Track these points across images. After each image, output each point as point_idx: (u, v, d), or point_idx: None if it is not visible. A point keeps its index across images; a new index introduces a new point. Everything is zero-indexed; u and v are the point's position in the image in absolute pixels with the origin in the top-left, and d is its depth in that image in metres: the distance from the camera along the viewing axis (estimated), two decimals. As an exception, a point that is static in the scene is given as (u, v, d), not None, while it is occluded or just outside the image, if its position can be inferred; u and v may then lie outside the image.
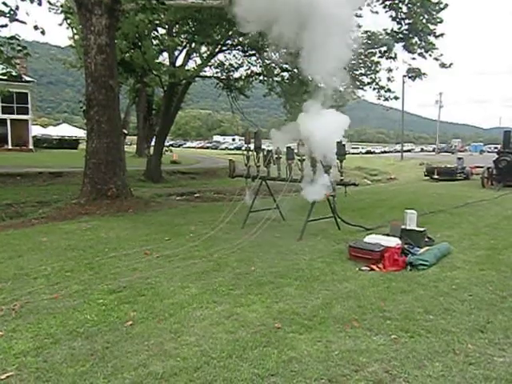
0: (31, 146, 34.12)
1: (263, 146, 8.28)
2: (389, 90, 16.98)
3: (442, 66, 15.31)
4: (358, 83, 16.89)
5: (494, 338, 3.42)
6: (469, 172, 19.80)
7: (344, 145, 6.97)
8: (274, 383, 2.78)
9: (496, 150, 19.33)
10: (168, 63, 18.86)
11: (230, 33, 15.57)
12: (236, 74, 19.31)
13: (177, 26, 16.61)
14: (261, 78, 18.85)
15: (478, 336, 3.47)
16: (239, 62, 19.01)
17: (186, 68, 18.45)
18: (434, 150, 61.98)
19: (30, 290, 4.40)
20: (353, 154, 51.19)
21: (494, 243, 6.77)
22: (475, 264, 5.54)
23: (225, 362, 3.01)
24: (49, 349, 3.22)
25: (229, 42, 17.41)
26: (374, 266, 5.30)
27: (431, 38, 14.59)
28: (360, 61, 16.09)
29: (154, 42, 17.75)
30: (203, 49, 18.46)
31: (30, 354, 3.14)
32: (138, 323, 3.66)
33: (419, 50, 14.89)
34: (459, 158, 21.20)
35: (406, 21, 14.33)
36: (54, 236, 7.02)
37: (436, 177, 19.45)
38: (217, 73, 19.22)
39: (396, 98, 17.53)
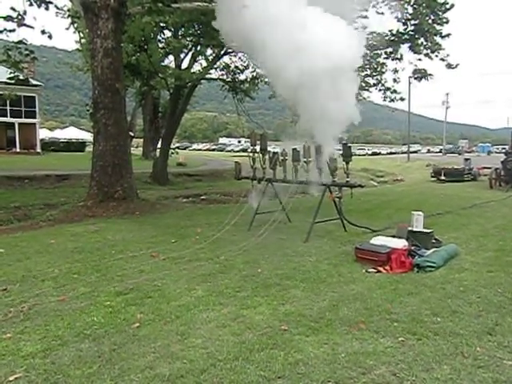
0: (39, 149, 34.39)
1: (269, 148, 8.29)
2: (395, 91, 16.95)
3: (449, 66, 15.24)
4: (364, 84, 16.85)
5: (504, 341, 3.38)
6: (476, 173, 19.65)
7: (350, 146, 6.95)
8: (280, 386, 2.77)
9: (504, 151, 19.16)
10: (174, 66, 18.97)
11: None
12: (241, 76, 19.39)
13: (182, 28, 16.71)
14: (266, 79, 18.87)
15: (487, 339, 3.43)
16: (244, 64, 19.08)
17: (192, 71, 18.55)
18: (440, 151, 61.56)
19: (38, 292, 4.43)
20: (359, 155, 51.07)
21: (502, 245, 6.70)
22: (483, 266, 5.49)
23: (231, 365, 3.01)
24: (56, 351, 3.23)
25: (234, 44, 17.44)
26: (381, 268, 5.27)
27: (437, 39, 14.52)
28: (366, 62, 16.06)
29: (160, 45, 17.87)
30: (209, 51, 18.56)
31: (38, 355, 3.16)
32: (145, 325, 3.67)
33: (425, 51, 14.83)
34: (466, 159, 21.06)
35: (412, 22, 14.27)
36: (61, 238, 7.07)
37: (443, 178, 19.32)
38: (222, 75, 19.30)
39: (402, 98, 17.50)
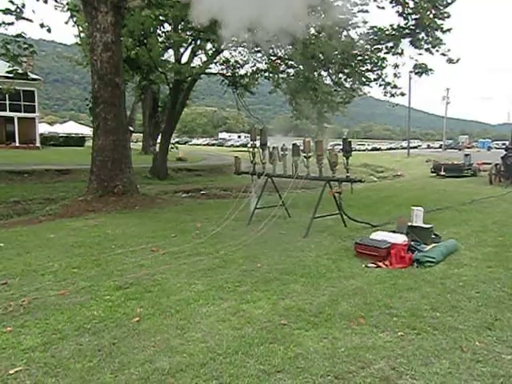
0: (38, 144, 34.34)
1: (269, 143, 8.28)
2: (395, 87, 16.86)
3: (450, 61, 15.15)
4: (364, 79, 16.78)
5: (502, 336, 3.40)
6: (476, 168, 19.67)
7: (350, 142, 6.94)
8: (280, 379, 2.78)
9: (504, 147, 19.17)
10: (173, 60, 18.88)
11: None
12: (241, 71, 19.29)
13: (182, 22, 16.60)
14: (266, 74, 18.81)
15: (486, 333, 3.44)
16: (244, 59, 18.97)
17: (192, 65, 18.45)
18: (440, 147, 61.49)
19: (38, 287, 4.43)
20: (359, 150, 51.07)
21: (501, 240, 6.71)
22: (482, 261, 5.50)
23: (231, 359, 3.02)
24: (56, 344, 3.24)
25: (234, 38, 17.35)
26: (381, 263, 5.28)
27: (438, 34, 14.44)
28: (366, 57, 15.99)
29: (160, 40, 17.78)
30: (208, 45, 18.45)
31: (38, 349, 3.17)
32: (145, 319, 3.67)
33: (426, 46, 14.75)
34: (466, 155, 21.08)
35: (413, 16, 14.18)
36: (61, 233, 7.07)
37: (443, 173, 19.34)
38: (222, 70, 19.19)
39: (402, 94, 17.40)
